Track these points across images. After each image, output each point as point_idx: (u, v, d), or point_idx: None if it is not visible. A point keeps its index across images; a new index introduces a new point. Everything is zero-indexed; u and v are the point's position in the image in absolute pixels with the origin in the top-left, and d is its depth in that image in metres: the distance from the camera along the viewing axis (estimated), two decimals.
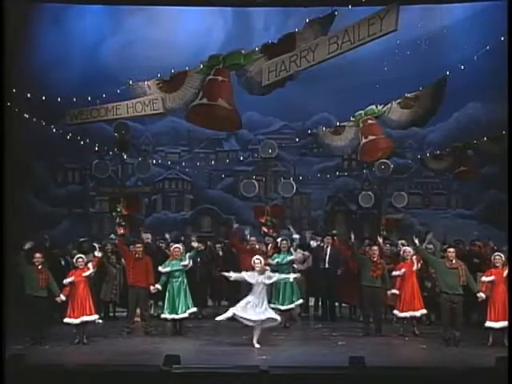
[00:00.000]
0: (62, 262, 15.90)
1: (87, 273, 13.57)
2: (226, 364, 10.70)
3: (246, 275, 13.20)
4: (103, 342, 13.64)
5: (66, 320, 13.40)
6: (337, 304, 16.94)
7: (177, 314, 14.30)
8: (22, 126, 17.36)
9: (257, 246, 16.19)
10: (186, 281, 14.43)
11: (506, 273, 12.98)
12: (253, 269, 13.17)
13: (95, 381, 9.36)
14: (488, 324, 13.10)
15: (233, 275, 13.47)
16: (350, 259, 16.01)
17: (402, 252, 14.72)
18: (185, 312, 14.32)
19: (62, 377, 9.28)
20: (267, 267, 15.01)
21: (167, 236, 17.22)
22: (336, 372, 9.31)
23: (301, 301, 15.62)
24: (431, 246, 15.93)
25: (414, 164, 21.66)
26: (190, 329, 14.85)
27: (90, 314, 13.45)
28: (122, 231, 17.56)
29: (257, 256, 13.48)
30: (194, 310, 14.59)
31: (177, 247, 14.69)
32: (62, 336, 13.51)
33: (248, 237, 16.72)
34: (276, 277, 13.46)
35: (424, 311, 14.41)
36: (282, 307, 15.06)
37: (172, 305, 14.31)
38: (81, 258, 13.71)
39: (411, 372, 9.66)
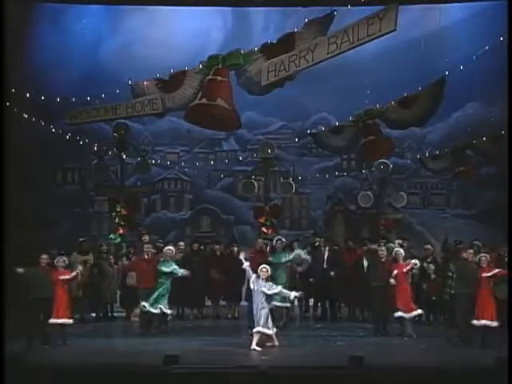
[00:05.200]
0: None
1: (66, 276, 13.39)
2: (225, 364, 10.72)
3: (251, 280, 12.92)
4: (102, 342, 13.62)
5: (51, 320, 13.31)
6: (336, 304, 16.94)
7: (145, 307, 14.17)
8: (21, 126, 17.34)
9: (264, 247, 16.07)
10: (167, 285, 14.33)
11: (491, 272, 12.88)
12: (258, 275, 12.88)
13: (95, 380, 9.38)
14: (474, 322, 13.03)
15: (246, 264, 13.04)
16: (349, 261, 16.05)
17: (393, 253, 14.63)
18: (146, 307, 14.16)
19: (62, 377, 9.30)
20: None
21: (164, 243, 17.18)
22: (335, 372, 9.34)
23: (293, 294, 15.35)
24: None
25: (413, 164, 21.70)
26: (189, 328, 14.84)
27: (64, 317, 13.23)
28: (121, 231, 17.56)
29: (264, 265, 13.14)
30: (147, 309, 14.17)
31: (169, 249, 14.70)
32: (62, 336, 13.48)
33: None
34: (278, 289, 13.03)
35: (416, 312, 14.26)
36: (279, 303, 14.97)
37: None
38: (62, 259, 13.55)
39: (411, 372, 9.68)
